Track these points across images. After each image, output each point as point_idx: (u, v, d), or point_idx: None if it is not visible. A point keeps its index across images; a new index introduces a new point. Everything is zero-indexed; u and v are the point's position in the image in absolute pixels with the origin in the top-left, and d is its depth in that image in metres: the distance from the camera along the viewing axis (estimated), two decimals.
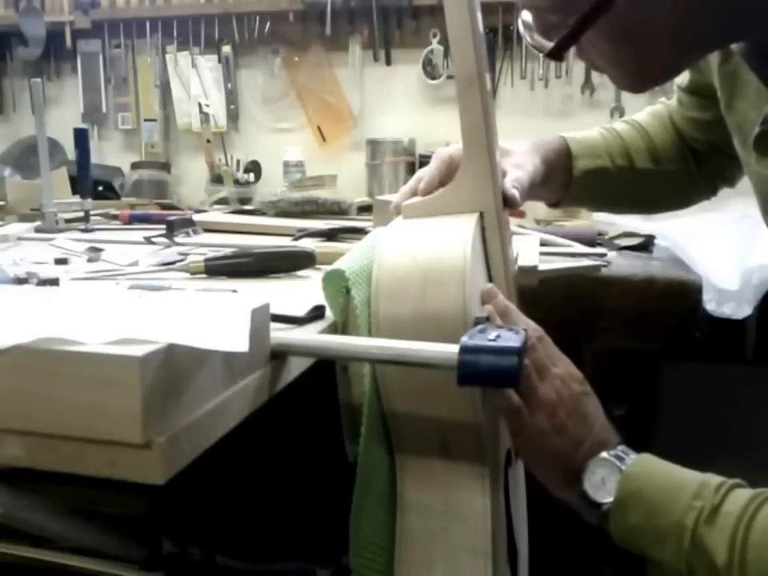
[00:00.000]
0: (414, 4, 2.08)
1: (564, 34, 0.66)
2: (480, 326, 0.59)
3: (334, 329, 0.67)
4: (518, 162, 0.84)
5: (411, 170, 2.01)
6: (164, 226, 1.24)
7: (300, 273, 0.93)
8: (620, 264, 1.34)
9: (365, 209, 1.64)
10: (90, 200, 1.51)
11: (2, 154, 2.23)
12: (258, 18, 2.20)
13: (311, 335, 0.63)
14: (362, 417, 0.66)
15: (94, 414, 0.41)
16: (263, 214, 1.63)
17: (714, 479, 0.62)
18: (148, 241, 1.21)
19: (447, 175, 0.76)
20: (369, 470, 0.67)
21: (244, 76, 2.32)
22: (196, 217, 1.45)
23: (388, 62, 2.17)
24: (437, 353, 0.55)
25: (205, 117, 2.20)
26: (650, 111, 1.05)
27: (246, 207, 1.83)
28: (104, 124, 2.42)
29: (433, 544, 0.67)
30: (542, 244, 1.28)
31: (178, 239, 1.21)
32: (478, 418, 0.64)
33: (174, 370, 0.43)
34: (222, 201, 2.03)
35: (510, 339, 0.54)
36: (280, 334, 0.58)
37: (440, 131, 1.90)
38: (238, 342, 0.46)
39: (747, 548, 0.57)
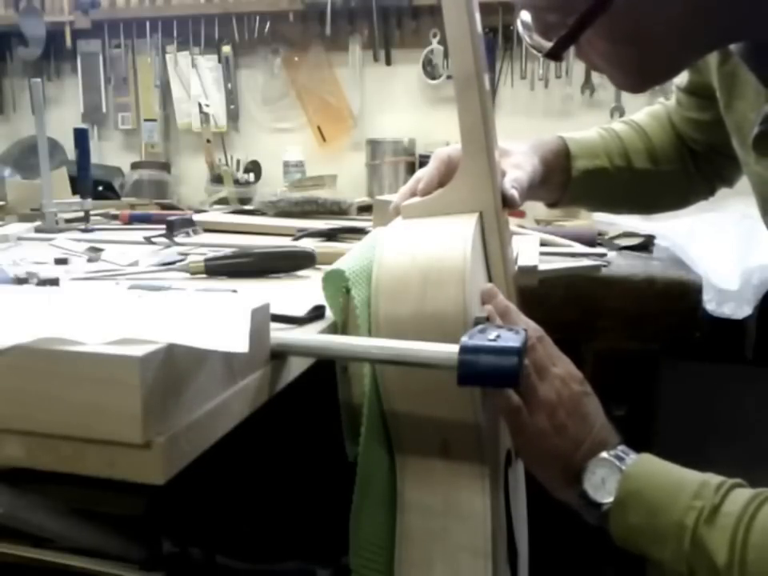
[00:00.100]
0: (414, 4, 2.08)
1: (563, 34, 0.66)
2: (480, 326, 0.59)
3: (333, 329, 0.67)
4: (517, 162, 0.84)
5: (411, 169, 2.01)
6: (164, 226, 1.24)
7: (300, 273, 0.93)
8: (620, 264, 1.34)
9: (365, 209, 1.64)
10: (89, 200, 1.51)
11: (2, 154, 2.23)
12: (257, 17, 2.20)
13: (311, 335, 0.63)
14: (361, 417, 0.66)
15: (93, 414, 0.41)
16: (263, 213, 1.63)
17: (713, 479, 0.62)
18: (148, 241, 1.21)
19: (446, 175, 0.76)
20: (369, 470, 0.67)
21: (244, 76, 2.32)
22: (196, 217, 1.45)
23: (388, 62, 2.17)
24: (437, 353, 0.55)
25: (205, 117, 2.20)
26: (648, 111, 1.05)
27: (246, 207, 1.83)
28: (104, 124, 2.42)
29: (433, 544, 0.67)
30: (542, 244, 1.28)
31: (177, 239, 1.21)
32: (478, 418, 0.64)
33: (174, 370, 0.43)
34: (222, 201, 2.03)
35: (510, 339, 0.54)
36: (280, 333, 0.58)
37: (440, 131, 1.90)
38: (237, 342, 0.46)
39: (747, 548, 0.57)
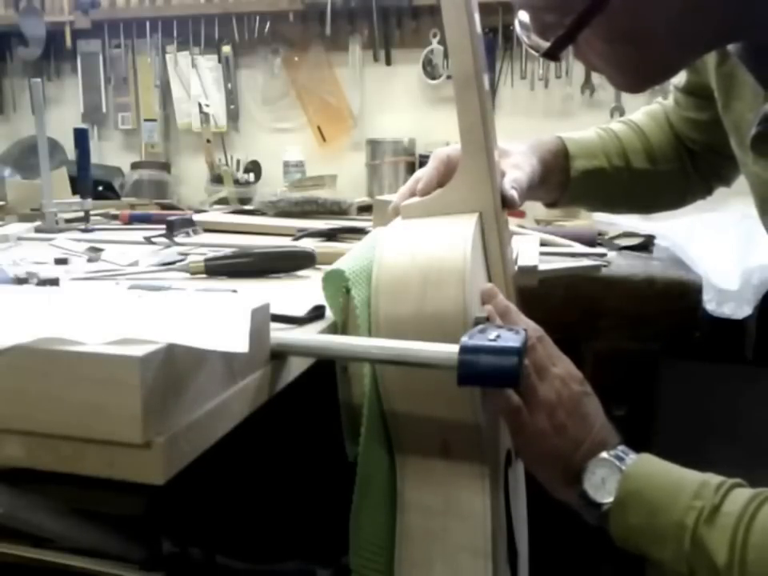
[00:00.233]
0: (414, 4, 2.08)
1: (560, 34, 0.66)
2: (480, 326, 0.59)
3: (333, 329, 0.67)
4: (516, 162, 0.84)
5: (411, 169, 2.01)
6: (164, 226, 1.24)
7: (300, 273, 0.93)
8: (620, 264, 1.34)
9: (365, 209, 1.64)
10: (90, 200, 1.51)
11: (2, 154, 2.23)
12: (257, 17, 2.20)
13: (311, 335, 0.63)
14: (362, 417, 0.66)
15: (93, 414, 0.41)
16: (263, 213, 1.63)
17: (713, 479, 0.62)
18: (148, 241, 1.21)
19: (445, 175, 0.76)
20: (369, 470, 0.67)
21: (244, 76, 2.32)
22: (196, 217, 1.46)
23: (388, 62, 2.17)
24: (437, 353, 0.55)
25: (205, 117, 2.20)
26: (646, 111, 1.05)
27: (246, 207, 1.83)
28: (104, 124, 2.42)
29: (433, 544, 0.67)
30: (542, 244, 1.28)
31: (178, 239, 1.21)
32: (478, 418, 0.64)
33: (174, 370, 0.43)
34: (222, 201, 2.03)
35: (510, 339, 0.54)
36: (280, 333, 0.58)
37: (440, 131, 1.90)
38: (237, 342, 0.46)
39: (747, 548, 0.57)
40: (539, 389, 0.65)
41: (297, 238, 1.27)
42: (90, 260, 1.06)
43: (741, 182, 0.87)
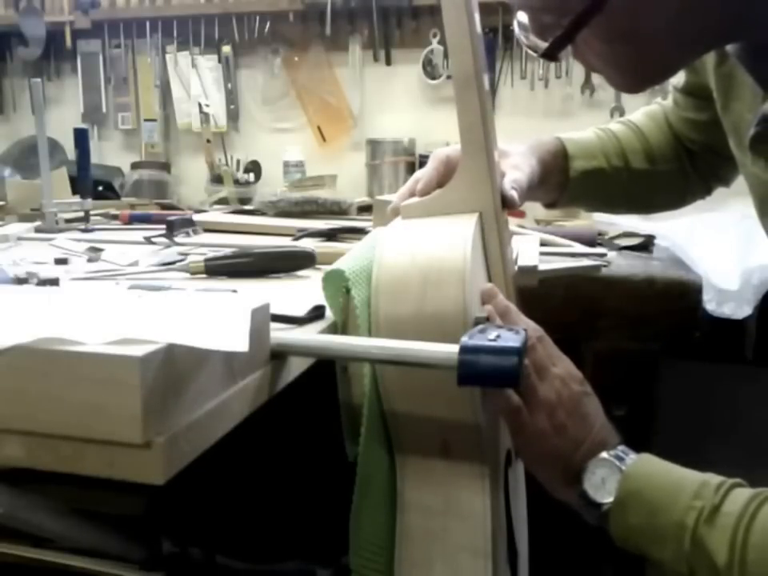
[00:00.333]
0: (414, 4, 2.08)
1: (558, 35, 0.66)
2: (480, 326, 0.59)
3: (333, 329, 0.67)
4: (515, 163, 0.84)
5: (411, 169, 2.01)
6: (164, 226, 1.24)
7: (300, 273, 0.93)
8: (620, 264, 1.34)
9: (365, 209, 1.64)
10: (90, 200, 1.51)
11: (2, 154, 2.23)
12: (257, 17, 2.20)
13: (311, 335, 0.63)
14: (362, 417, 0.66)
15: (93, 414, 0.41)
16: (263, 213, 1.63)
17: (713, 479, 0.62)
18: (148, 241, 1.21)
19: (445, 176, 0.76)
20: (369, 470, 0.67)
21: (244, 76, 2.32)
22: (196, 217, 1.45)
23: (388, 62, 2.17)
24: (437, 353, 0.55)
25: (205, 117, 2.20)
26: (645, 112, 1.05)
27: (246, 207, 1.83)
28: (104, 124, 2.42)
29: (433, 544, 0.67)
30: (542, 244, 1.28)
31: (178, 239, 1.21)
32: (478, 418, 0.64)
33: (174, 370, 0.43)
34: (222, 201, 2.03)
35: (510, 339, 0.54)
36: (280, 333, 0.58)
37: (440, 131, 1.90)
38: (237, 341, 0.46)
39: (748, 548, 0.57)
40: (539, 389, 0.65)
41: (297, 238, 1.27)
42: (90, 260, 1.06)
43: (740, 183, 0.87)
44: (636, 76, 0.72)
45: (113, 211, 1.66)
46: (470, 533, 0.66)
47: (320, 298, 0.68)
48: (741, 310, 1.20)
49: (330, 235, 1.28)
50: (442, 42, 2.07)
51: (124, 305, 0.52)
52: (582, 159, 0.95)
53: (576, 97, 2.05)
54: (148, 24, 2.30)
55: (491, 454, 0.68)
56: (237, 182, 2.11)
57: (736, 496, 0.60)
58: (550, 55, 0.69)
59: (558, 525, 0.98)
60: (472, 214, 0.69)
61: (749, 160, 0.76)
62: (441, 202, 0.71)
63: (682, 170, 1.01)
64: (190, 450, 0.45)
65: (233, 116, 2.31)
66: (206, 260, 0.91)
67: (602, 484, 0.64)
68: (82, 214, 1.49)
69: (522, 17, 0.71)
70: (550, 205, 1.01)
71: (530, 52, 0.72)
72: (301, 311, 0.67)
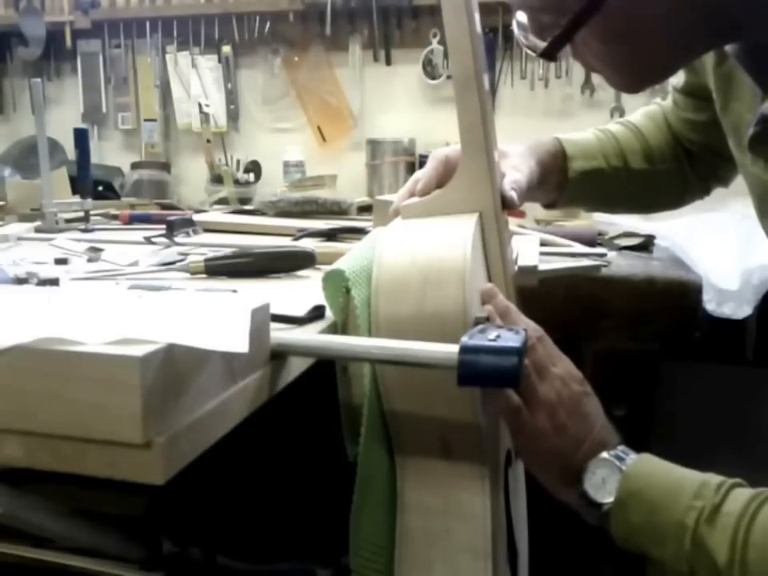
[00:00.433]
0: (414, 4, 2.08)
1: (556, 35, 0.67)
2: (480, 326, 0.59)
3: (333, 329, 0.67)
4: (514, 164, 0.84)
5: (411, 169, 2.01)
6: (164, 226, 1.24)
7: (300, 273, 0.93)
8: (620, 264, 1.34)
9: (365, 209, 1.64)
10: (90, 200, 1.51)
11: (2, 154, 2.23)
12: (258, 17, 2.20)
13: (311, 335, 0.63)
14: (362, 417, 0.66)
15: (94, 414, 0.41)
16: (263, 213, 1.63)
17: (714, 479, 0.62)
18: (148, 241, 1.21)
19: (444, 176, 0.76)
20: (369, 470, 0.67)
21: (244, 76, 2.32)
22: (196, 217, 1.45)
23: (388, 62, 2.17)
24: (437, 353, 0.55)
25: (205, 117, 2.20)
26: (644, 112, 1.05)
27: (246, 207, 1.83)
28: (104, 124, 2.42)
29: (433, 544, 0.67)
30: (542, 244, 1.28)
31: (178, 239, 1.21)
32: (478, 418, 0.64)
33: (174, 369, 0.43)
34: (222, 201, 2.03)
35: (510, 339, 0.54)
36: (280, 333, 0.58)
37: (440, 131, 1.90)
38: (238, 342, 0.46)
39: (748, 548, 0.57)
40: (539, 389, 0.65)
41: (297, 238, 1.27)
42: (90, 260, 1.06)
43: (740, 183, 0.87)
44: (634, 76, 0.72)
45: (113, 211, 1.66)
46: (470, 533, 0.66)
47: (320, 298, 0.68)
48: (741, 310, 1.20)
49: (330, 235, 1.28)
50: (442, 41, 2.07)
51: (124, 305, 0.52)
52: (581, 159, 0.95)
53: (576, 97, 2.05)
54: (148, 24, 2.30)
55: (491, 455, 0.68)
56: (237, 182, 2.11)
57: (736, 496, 0.60)
58: (549, 55, 0.69)
59: (558, 525, 0.98)
60: (472, 214, 0.69)
61: (748, 160, 0.76)
62: (441, 202, 0.71)
63: (680, 170, 1.01)
64: (190, 450, 0.45)
65: (233, 116, 2.31)
66: (206, 260, 0.91)
67: (602, 484, 0.64)
68: (82, 213, 1.49)
69: (521, 17, 0.71)
70: (548, 205, 1.01)
71: (528, 52, 0.73)
72: (301, 311, 0.67)
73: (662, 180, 1.01)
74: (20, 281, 0.84)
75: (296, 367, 0.61)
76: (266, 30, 2.21)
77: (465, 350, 0.53)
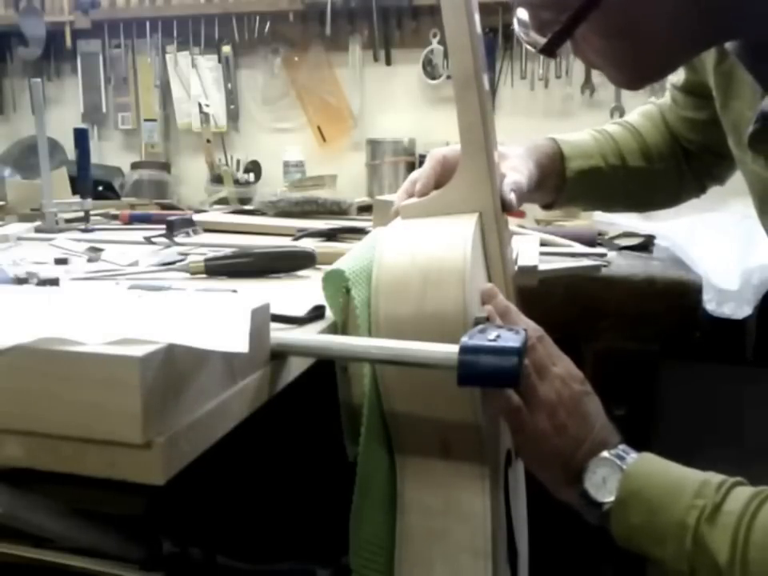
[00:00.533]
0: (414, 4, 2.08)
1: (556, 31, 0.67)
2: (480, 326, 0.59)
3: (333, 329, 0.67)
4: (514, 165, 0.84)
5: (411, 169, 2.01)
6: (164, 226, 1.24)
7: (300, 273, 0.93)
8: (620, 264, 1.34)
9: (365, 209, 1.64)
10: (90, 200, 1.51)
11: (2, 154, 2.23)
12: (258, 17, 2.20)
13: (311, 335, 0.63)
14: (362, 417, 0.66)
15: (94, 414, 0.41)
16: (263, 213, 1.63)
17: (715, 477, 0.62)
18: (148, 241, 1.21)
19: (442, 175, 0.76)
20: (369, 470, 0.67)
21: (244, 76, 2.32)
22: (196, 217, 1.45)
23: (388, 62, 2.17)
24: (437, 353, 0.55)
25: (205, 117, 2.20)
26: (641, 112, 1.05)
27: (246, 207, 1.83)
28: (104, 124, 2.42)
29: (433, 544, 0.67)
30: (542, 244, 1.28)
31: (178, 239, 1.21)
32: (478, 419, 0.64)
33: (174, 370, 0.43)
34: (222, 201, 2.03)
35: (510, 339, 0.54)
36: (280, 334, 0.58)
37: (440, 131, 1.90)
38: (238, 342, 0.46)
39: (749, 546, 0.57)
40: (540, 388, 0.65)
41: (297, 238, 1.27)
42: (90, 260, 1.06)
43: (740, 183, 0.87)
44: (635, 72, 0.72)
45: (113, 211, 1.66)
46: (470, 533, 0.66)
47: (320, 298, 0.68)
48: (741, 310, 1.20)
49: (330, 235, 1.28)
50: (442, 42, 2.06)
51: (124, 305, 0.52)
52: (579, 159, 0.96)
53: (576, 97, 2.05)
54: (148, 24, 2.30)
55: (491, 455, 0.68)
56: (237, 182, 2.11)
57: (737, 494, 0.60)
58: (549, 51, 0.69)
59: (558, 525, 0.98)
60: (472, 214, 0.69)
61: (748, 158, 0.76)
62: (441, 202, 0.71)
63: (677, 168, 1.02)
64: (190, 450, 0.45)
65: (233, 116, 2.31)
66: (206, 260, 0.91)
67: (602, 483, 0.64)
68: (82, 213, 1.49)
69: (521, 13, 0.71)
70: (546, 206, 1.01)
71: (529, 48, 0.73)
72: (301, 311, 0.67)
73: (659, 178, 1.02)
74: (20, 281, 0.84)
75: (296, 367, 0.61)
76: (266, 30, 2.21)
77: (465, 350, 0.53)
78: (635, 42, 0.67)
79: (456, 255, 0.63)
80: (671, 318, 1.25)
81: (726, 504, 0.59)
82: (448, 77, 2.08)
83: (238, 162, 2.23)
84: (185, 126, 2.34)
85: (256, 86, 2.30)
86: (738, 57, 0.73)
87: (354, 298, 0.65)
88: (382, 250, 0.65)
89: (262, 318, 0.53)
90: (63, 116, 2.35)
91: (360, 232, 1.25)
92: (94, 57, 2.37)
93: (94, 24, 2.32)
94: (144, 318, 0.47)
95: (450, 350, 0.54)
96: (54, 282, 0.83)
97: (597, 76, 2.01)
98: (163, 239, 1.21)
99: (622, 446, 0.66)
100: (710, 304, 1.21)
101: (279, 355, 0.58)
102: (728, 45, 0.73)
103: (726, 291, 1.20)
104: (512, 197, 0.76)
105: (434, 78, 2.12)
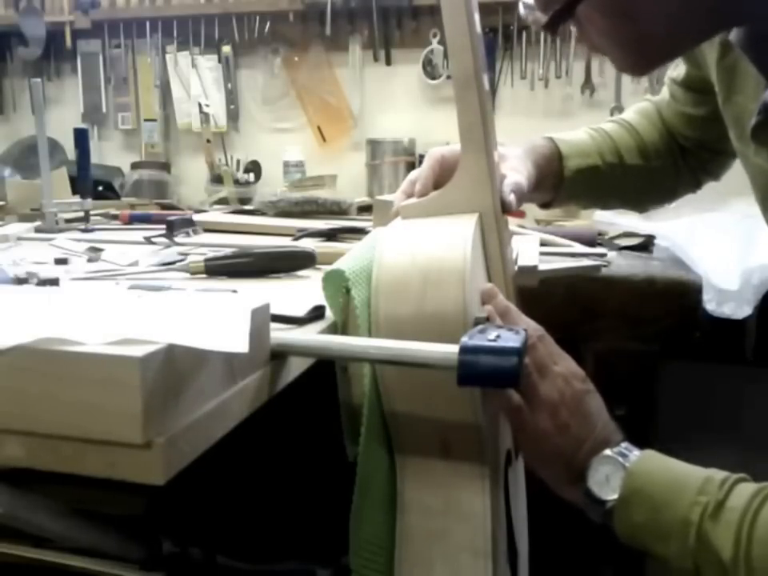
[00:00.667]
0: (414, 4, 2.08)
1: (557, 8, 0.67)
2: (480, 326, 0.59)
3: (333, 329, 0.67)
4: (513, 166, 0.84)
5: (411, 169, 1.98)
6: (164, 226, 1.24)
7: (300, 273, 0.93)
8: (620, 264, 1.34)
9: (365, 209, 1.64)
10: (90, 200, 1.51)
11: (2, 154, 2.23)
12: (258, 17, 2.20)
13: (311, 335, 0.63)
14: (362, 417, 0.66)
15: (94, 414, 0.41)
16: (263, 213, 1.63)
17: (718, 474, 0.62)
18: (148, 241, 1.21)
19: (441, 175, 0.76)
20: (369, 470, 0.67)
21: (244, 76, 2.32)
22: (196, 217, 1.45)
23: (388, 62, 2.17)
24: (437, 353, 0.55)
25: (205, 117, 2.20)
26: (636, 109, 1.06)
27: (246, 207, 1.83)
28: (104, 124, 2.42)
29: (433, 544, 0.67)
30: (542, 244, 1.28)
31: (177, 239, 1.21)
32: (478, 419, 0.64)
33: (174, 370, 0.43)
34: (222, 201, 2.03)
35: (510, 339, 0.54)
36: (280, 334, 0.58)
37: (440, 131, 1.89)
38: (238, 342, 0.46)
39: (753, 543, 0.57)
40: (541, 387, 0.65)
41: (297, 238, 1.27)
42: (90, 260, 1.06)
43: (741, 182, 0.87)
44: (640, 55, 0.72)
45: (113, 211, 1.66)
46: (471, 533, 0.66)
47: (320, 298, 0.68)
48: (741, 310, 1.20)
49: (330, 235, 1.28)
50: (442, 42, 2.06)
51: (124, 305, 0.52)
52: (577, 158, 0.96)
53: (576, 97, 2.05)
54: (148, 24, 2.30)
55: (491, 455, 0.68)
56: (237, 181, 2.11)
57: (740, 491, 0.60)
58: (552, 27, 0.69)
59: (558, 525, 0.99)
60: (472, 214, 0.69)
61: (751, 151, 0.76)
62: (440, 202, 0.71)
63: (674, 164, 1.02)
64: (189, 451, 0.45)
65: (233, 116, 2.31)
66: (206, 260, 0.91)
67: (605, 481, 0.63)
68: (82, 213, 1.49)
69: None
70: (544, 205, 1.01)
71: (533, 27, 0.73)
72: (301, 311, 0.67)
73: (656, 175, 1.02)
74: (20, 281, 0.84)
75: (296, 367, 0.61)
76: (266, 30, 2.21)
77: (465, 350, 0.53)
78: (638, 21, 0.67)
79: (456, 255, 0.63)
80: (671, 318, 1.25)
81: (729, 501, 0.59)
82: (448, 77, 2.08)
83: (238, 162, 2.23)
84: (185, 125, 2.34)
85: (256, 86, 2.30)
86: (743, 49, 0.73)
87: (354, 298, 0.65)
88: (381, 250, 0.65)
89: (262, 318, 0.53)
90: (63, 116, 2.35)
91: (360, 232, 1.25)
92: (93, 57, 2.37)
93: (94, 24, 2.32)
94: (144, 318, 0.47)
95: (450, 350, 0.54)
96: (54, 282, 0.83)
97: (597, 76, 2.02)
98: (163, 239, 1.21)
99: (624, 444, 0.65)
100: (710, 304, 1.21)
101: (279, 355, 0.58)
102: (732, 37, 0.73)
103: (725, 291, 1.20)
104: (512, 198, 0.76)
105: (433, 78, 2.12)
